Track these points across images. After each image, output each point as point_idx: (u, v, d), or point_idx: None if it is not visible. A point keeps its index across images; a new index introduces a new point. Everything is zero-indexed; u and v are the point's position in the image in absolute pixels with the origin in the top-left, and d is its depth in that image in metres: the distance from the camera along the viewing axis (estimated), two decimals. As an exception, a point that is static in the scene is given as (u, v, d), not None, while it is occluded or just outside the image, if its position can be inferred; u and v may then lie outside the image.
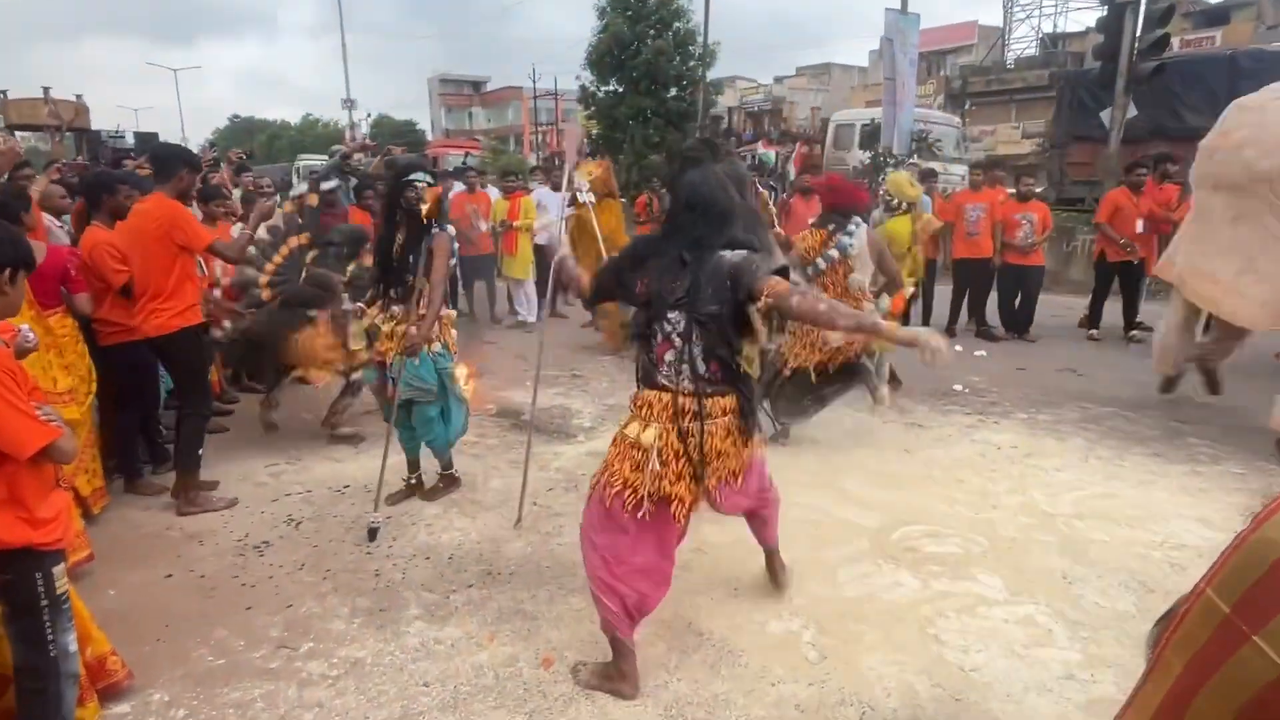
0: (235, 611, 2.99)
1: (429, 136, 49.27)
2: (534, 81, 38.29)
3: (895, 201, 5.75)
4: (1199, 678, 0.97)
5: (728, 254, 2.30)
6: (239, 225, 5.02)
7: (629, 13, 21.65)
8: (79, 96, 15.94)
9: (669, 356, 2.34)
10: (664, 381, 2.36)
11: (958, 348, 7.46)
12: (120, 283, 3.83)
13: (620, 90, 22.44)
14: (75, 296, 3.70)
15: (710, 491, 2.41)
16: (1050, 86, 19.30)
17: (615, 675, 2.51)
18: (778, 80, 36.85)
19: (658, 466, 2.33)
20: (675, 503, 2.37)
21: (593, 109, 22.98)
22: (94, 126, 16.37)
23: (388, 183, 3.82)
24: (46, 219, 4.26)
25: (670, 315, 2.32)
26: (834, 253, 4.28)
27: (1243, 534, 0.87)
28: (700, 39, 21.80)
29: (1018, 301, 7.88)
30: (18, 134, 15.70)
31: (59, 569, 2.06)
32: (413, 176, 3.65)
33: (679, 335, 2.32)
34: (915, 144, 13.39)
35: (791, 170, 13.26)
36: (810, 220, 4.58)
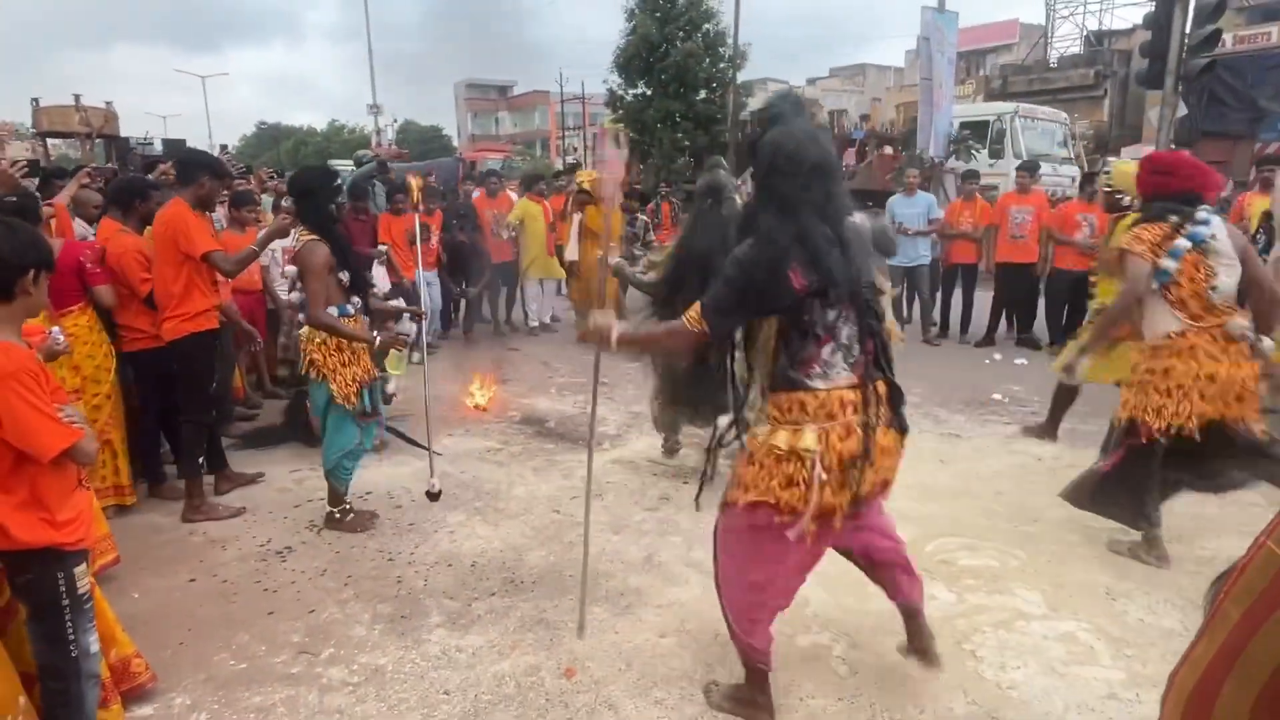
0: (257, 616, 2.99)
1: (455, 142, 49.85)
2: (561, 86, 38.53)
3: (1125, 199, 4.38)
4: (1254, 624, 0.94)
5: (858, 218, 2.17)
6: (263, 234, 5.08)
7: (658, 14, 21.60)
8: (109, 103, 16.16)
9: (826, 351, 2.08)
10: (815, 380, 2.08)
11: (996, 356, 7.28)
12: (146, 291, 3.86)
13: (649, 93, 22.40)
14: (96, 289, 3.68)
15: (867, 498, 2.14)
16: (1096, 85, 18.75)
17: (754, 704, 2.39)
18: (810, 82, 36.60)
19: (823, 476, 2.04)
20: (837, 512, 2.11)
21: (620, 112, 22.95)
22: (123, 133, 16.58)
23: (316, 194, 3.53)
24: (79, 225, 4.32)
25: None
26: (1183, 243, 3.13)
27: None
28: (730, 40, 21.68)
29: (1066, 311, 7.26)
30: (49, 141, 16.02)
31: (80, 569, 2.07)
32: (338, 184, 3.63)
33: (842, 321, 2.08)
34: (953, 147, 13.13)
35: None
36: (1131, 218, 3.48)
